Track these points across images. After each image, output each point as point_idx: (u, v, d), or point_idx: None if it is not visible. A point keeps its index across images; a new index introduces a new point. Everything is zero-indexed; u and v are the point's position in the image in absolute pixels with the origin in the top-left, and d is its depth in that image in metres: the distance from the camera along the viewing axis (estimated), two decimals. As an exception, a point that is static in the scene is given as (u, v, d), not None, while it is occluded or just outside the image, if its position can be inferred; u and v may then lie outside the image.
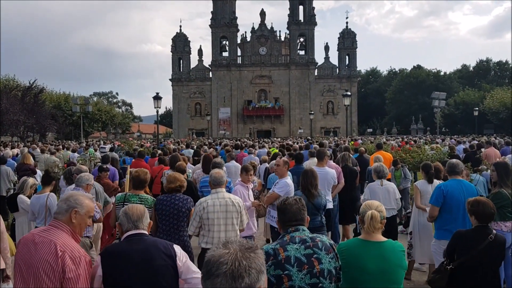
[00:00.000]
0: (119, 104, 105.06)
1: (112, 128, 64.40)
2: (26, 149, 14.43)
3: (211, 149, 13.90)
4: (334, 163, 8.39)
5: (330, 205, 7.11)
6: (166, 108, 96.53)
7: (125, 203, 4.93)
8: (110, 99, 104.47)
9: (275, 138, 38.96)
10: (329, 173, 7.20)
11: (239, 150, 17.37)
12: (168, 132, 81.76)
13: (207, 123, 53.02)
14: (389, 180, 11.90)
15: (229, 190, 6.62)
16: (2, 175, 11.00)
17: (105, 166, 8.16)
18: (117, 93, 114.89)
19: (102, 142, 32.11)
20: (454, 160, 5.55)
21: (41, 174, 14.20)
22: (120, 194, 5.32)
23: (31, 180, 6.25)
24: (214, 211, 4.70)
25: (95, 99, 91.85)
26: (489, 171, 11.78)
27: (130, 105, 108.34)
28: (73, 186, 6.24)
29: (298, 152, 9.02)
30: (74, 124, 51.89)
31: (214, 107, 62.80)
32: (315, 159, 10.45)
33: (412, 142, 17.72)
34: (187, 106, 63.71)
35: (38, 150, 19.51)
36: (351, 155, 8.86)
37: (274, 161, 7.78)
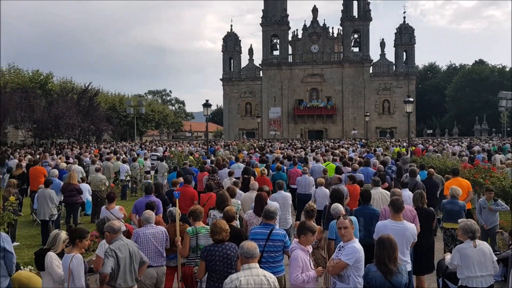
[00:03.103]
0: (172, 101, 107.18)
1: (165, 128, 65.31)
2: (73, 166, 14.07)
3: (263, 168, 12.81)
4: (409, 206, 7.07)
5: (409, 267, 5.89)
6: (217, 106, 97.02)
7: (198, 235, 5.89)
8: (164, 97, 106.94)
9: (327, 142, 37.43)
10: (408, 229, 5.89)
11: (291, 163, 16.36)
12: (219, 130, 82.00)
13: (257, 123, 52.25)
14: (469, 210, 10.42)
15: (285, 246, 5.60)
16: (46, 199, 10.60)
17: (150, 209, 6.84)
18: (170, 91, 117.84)
19: (154, 146, 32.11)
20: None
21: (88, 188, 13.93)
22: (190, 228, 6.02)
23: (63, 235, 5.49)
24: None
25: (150, 97, 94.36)
26: None
27: (182, 102, 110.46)
28: (104, 241, 5.66)
29: (365, 190, 7.74)
30: (129, 124, 52.90)
31: (264, 107, 61.96)
32: (380, 189, 9.20)
33: (487, 161, 15.81)
34: (238, 106, 63.26)
35: (89, 159, 19.47)
36: (424, 194, 7.48)
37: (337, 210, 6.59)
